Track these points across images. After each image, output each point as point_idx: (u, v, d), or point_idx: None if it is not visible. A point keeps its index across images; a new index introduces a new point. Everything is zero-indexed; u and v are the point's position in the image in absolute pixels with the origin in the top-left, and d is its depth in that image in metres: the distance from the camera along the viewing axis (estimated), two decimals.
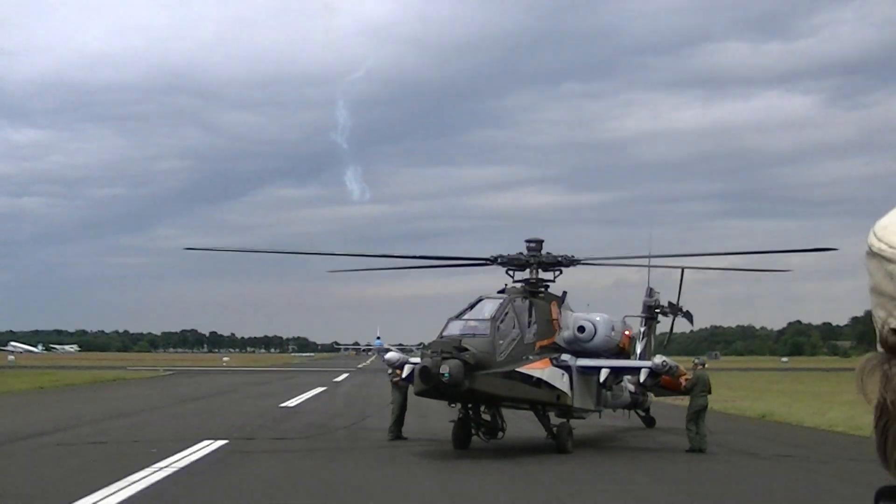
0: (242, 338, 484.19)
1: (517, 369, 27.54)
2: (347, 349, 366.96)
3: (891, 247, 1.41)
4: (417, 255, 34.76)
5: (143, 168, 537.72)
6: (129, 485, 20.09)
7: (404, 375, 30.29)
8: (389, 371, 32.19)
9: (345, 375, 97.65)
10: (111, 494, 18.76)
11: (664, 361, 29.83)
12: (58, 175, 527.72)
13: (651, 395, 35.60)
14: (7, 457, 25.59)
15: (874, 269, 1.42)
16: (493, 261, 31.34)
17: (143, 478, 21.20)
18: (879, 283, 1.41)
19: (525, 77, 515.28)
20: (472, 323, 27.63)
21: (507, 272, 31.04)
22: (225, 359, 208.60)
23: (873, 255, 1.43)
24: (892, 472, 1.42)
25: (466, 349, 26.17)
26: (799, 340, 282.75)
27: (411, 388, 30.83)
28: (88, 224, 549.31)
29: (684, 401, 31.38)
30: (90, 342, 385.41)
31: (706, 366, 32.09)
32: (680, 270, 37.41)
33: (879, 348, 1.44)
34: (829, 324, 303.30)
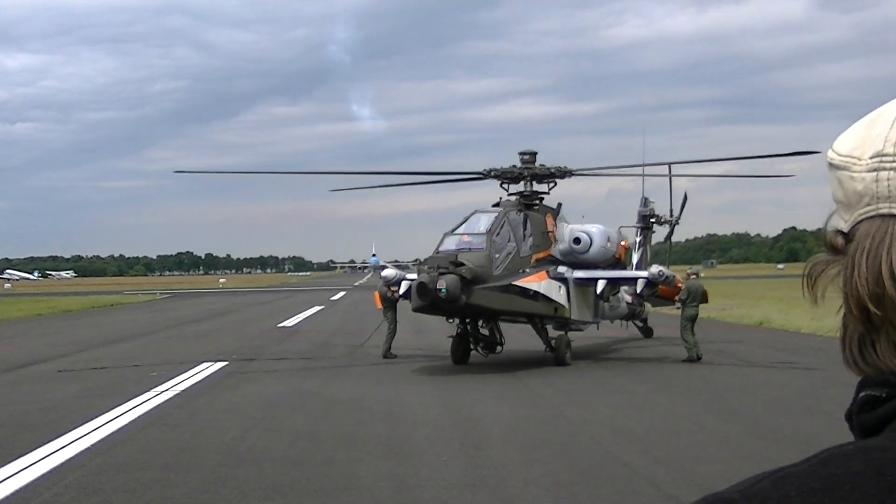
0: (238, 259, 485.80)
1: (514, 283, 27.52)
2: (343, 267, 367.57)
3: (839, 155, 1.49)
4: (408, 171, 34.45)
5: (136, 90, 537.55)
6: (130, 409, 20.14)
7: (401, 292, 30.29)
8: (390, 294, 32.06)
9: (342, 294, 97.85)
10: (113, 419, 18.79)
11: (661, 271, 29.80)
12: (51, 100, 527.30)
13: (648, 306, 35.68)
14: (8, 384, 25.66)
15: (831, 179, 1.51)
16: (485, 174, 31.15)
17: (145, 401, 21.26)
18: (833, 191, 1.51)
19: None
20: (468, 237, 27.55)
21: (500, 185, 30.88)
22: (222, 280, 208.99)
23: (829, 165, 1.52)
24: (849, 367, 1.55)
25: (463, 264, 26.14)
26: (794, 247, 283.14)
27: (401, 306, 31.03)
28: (82, 148, 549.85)
29: (679, 310, 31.43)
30: (86, 267, 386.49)
31: (699, 275, 32.07)
32: (670, 178, 37.03)
33: (823, 251, 1.56)
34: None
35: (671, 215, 37.65)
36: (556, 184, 31.10)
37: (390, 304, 31.76)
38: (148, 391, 22.85)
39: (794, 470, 1.40)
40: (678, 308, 30.54)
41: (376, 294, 32.89)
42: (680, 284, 30.49)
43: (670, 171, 36.44)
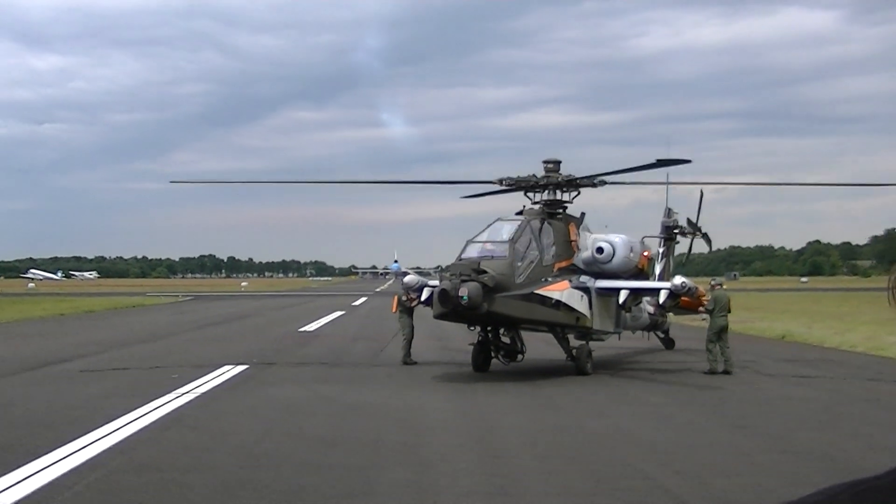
0: (260, 262, 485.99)
1: (536, 291, 27.46)
2: (365, 273, 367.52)
3: None
4: (419, 180, 34.05)
5: (162, 93, 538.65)
6: (151, 410, 20.20)
7: (423, 298, 30.28)
8: (405, 298, 32.15)
9: (363, 299, 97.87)
10: (134, 420, 18.85)
11: (683, 282, 29.66)
12: (78, 101, 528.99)
13: (670, 316, 35.59)
14: (31, 384, 25.74)
15: None
16: (498, 183, 31.06)
17: (165, 403, 21.31)
18: None
19: None
20: (491, 245, 27.51)
21: (525, 194, 30.76)
22: (243, 284, 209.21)
23: None
24: None
25: (485, 271, 26.09)
26: (818, 260, 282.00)
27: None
28: (107, 150, 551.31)
29: (702, 322, 31.28)
30: (109, 268, 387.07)
31: (724, 286, 31.92)
32: (699, 190, 36.92)
33: None
34: (849, 243, 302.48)
35: (696, 230, 37.34)
36: (580, 192, 30.99)
37: (407, 310, 31.85)
38: (169, 393, 22.91)
39: (874, 483, 1.36)
40: (704, 319, 30.35)
41: (395, 298, 32.93)
42: (703, 296, 30.39)
43: (701, 194, 36.31)
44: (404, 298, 32.11)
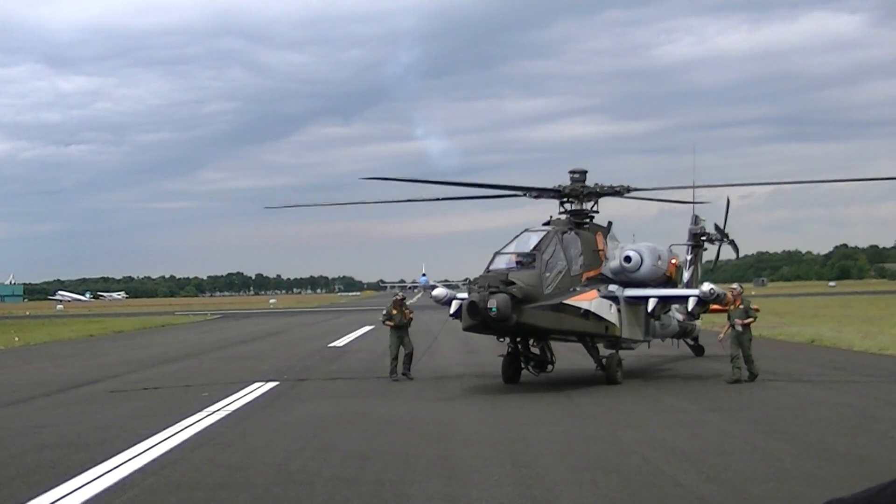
0: (288, 279, 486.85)
1: (565, 301, 27.40)
2: (393, 287, 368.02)
3: None
4: (452, 181, 33.35)
5: (189, 112, 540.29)
6: (182, 429, 20.26)
7: (452, 311, 30.23)
8: (384, 312, 31.89)
9: None
10: (166, 439, 18.90)
11: (712, 289, 29.56)
12: (105, 122, 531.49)
13: (699, 323, 35.44)
14: (61, 405, 25.87)
15: None
16: (525, 191, 30.99)
17: (197, 421, 21.38)
18: None
19: (568, 6, 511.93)
20: (518, 256, 27.46)
21: (561, 203, 30.66)
22: (272, 301, 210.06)
23: None
24: None
25: (513, 283, 26.05)
26: (846, 264, 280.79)
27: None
28: (135, 170, 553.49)
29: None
30: (137, 288, 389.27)
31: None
32: (726, 197, 36.74)
33: None
34: (876, 246, 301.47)
35: (722, 237, 37.16)
36: (595, 202, 30.89)
37: (395, 327, 31.28)
38: (200, 411, 22.98)
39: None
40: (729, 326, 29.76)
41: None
42: (731, 302, 30.19)
43: (728, 201, 36.15)
44: (384, 312, 31.88)
